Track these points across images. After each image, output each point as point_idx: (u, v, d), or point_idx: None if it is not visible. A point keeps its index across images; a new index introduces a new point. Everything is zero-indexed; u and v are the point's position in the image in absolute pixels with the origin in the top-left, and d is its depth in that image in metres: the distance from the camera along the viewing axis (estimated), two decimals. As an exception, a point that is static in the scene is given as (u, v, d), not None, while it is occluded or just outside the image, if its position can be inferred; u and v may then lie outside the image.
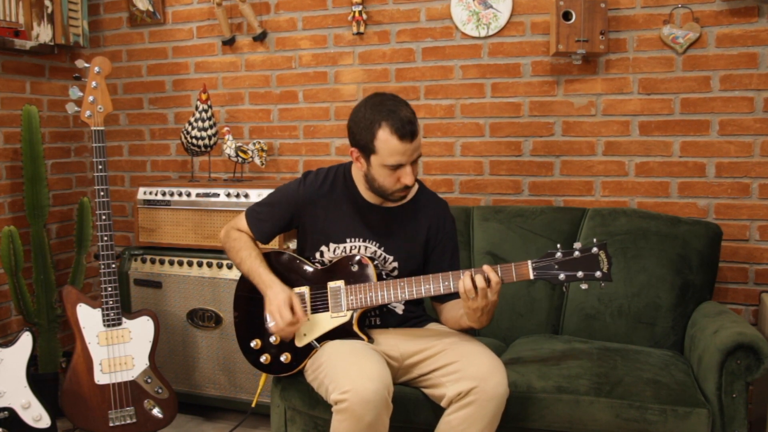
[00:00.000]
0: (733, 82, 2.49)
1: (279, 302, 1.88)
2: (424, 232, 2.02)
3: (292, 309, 1.88)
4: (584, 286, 1.79)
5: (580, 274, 1.76)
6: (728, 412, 1.86)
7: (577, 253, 1.77)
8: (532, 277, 1.78)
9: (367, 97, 1.91)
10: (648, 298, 2.32)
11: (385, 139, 1.81)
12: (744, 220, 2.52)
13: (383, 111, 1.82)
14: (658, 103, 2.58)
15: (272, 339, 2.00)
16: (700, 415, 1.84)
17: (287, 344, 1.98)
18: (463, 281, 1.76)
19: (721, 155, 2.52)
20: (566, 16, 2.52)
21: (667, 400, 1.86)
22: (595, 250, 1.77)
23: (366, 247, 1.99)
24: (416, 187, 2.06)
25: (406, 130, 1.80)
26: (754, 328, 1.96)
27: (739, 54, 2.47)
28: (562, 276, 1.77)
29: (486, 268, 1.77)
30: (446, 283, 1.84)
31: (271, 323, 1.91)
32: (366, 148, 1.86)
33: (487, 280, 1.75)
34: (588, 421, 1.89)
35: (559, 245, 1.81)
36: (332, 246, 2.00)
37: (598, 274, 1.76)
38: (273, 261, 2.04)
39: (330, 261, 2.00)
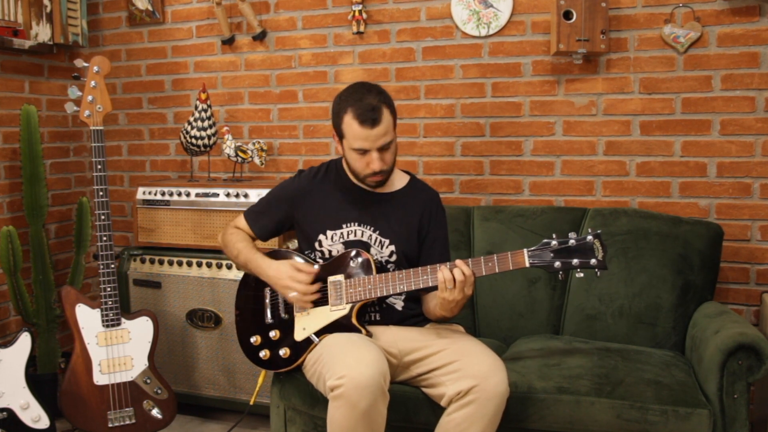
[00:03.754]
0: (734, 81, 2.48)
1: (286, 272, 1.94)
2: (417, 218, 2.05)
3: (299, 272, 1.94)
4: (580, 274, 1.80)
5: (575, 261, 1.78)
6: (729, 413, 1.86)
7: (572, 241, 1.79)
8: (527, 264, 1.80)
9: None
10: (649, 299, 2.31)
11: (349, 123, 1.91)
12: (745, 220, 2.51)
13: (351, 98, 1.92)
14: (659, 103, 2.58)
15: (272, 334, 2.01)
16: (701, 415, 1.83)
17: (287, 339, 1.99)
18: (443, 273, 1.79)
19: (722, 155, 2.52)
20: (567, 15, 2.52)
21: (668, 400, 1.86)
22: (590, 238, 1.79)
23: (362, 232, 2.01)
24: (407, 177, 2.12)
25: (367, 117, 1.88)
26: (755, 328, 1.96)
27: (741, 53, 2.46)
28: (557, 264, 1.78)
29: (459, 262, 1.80)
30: None
31: (290, 295, 1.93)
32: (338, 132, 1.97)
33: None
34: (589, 421, 1.88)
35: (554, 234, 1.82)
36: (329, 233, 2.03)
37: (593, 261, 1.78)
38: (274, 258, 2.04)
39: (329, 251, 2.02)
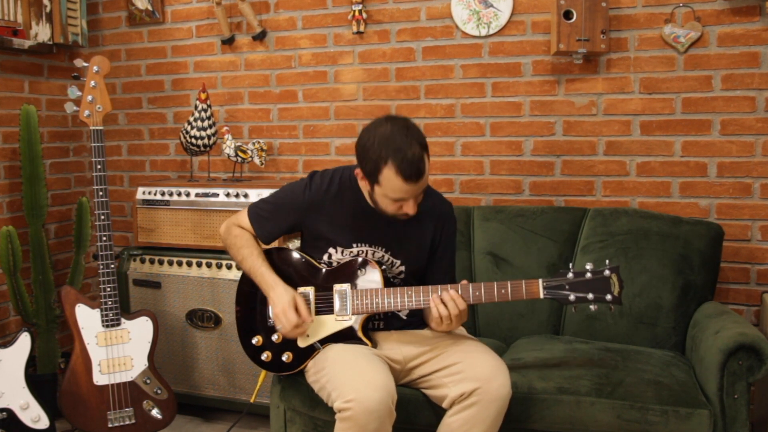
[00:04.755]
0: (734, 81, 2.48)
1: (284, 304, 1.86)
2: (430, 235, 1.99)
3: (297, 310, 1.87)
4: (593, 308, 1.79)
5: (590, 296, 1.76)
6: (730, 413, 1.86)
7: (588, 274, 1.76)
8: (542, 296, 1.78)
9: (378, 121, 1.82)
10: (649, 299, 2.31)
11: (390, 177, 1.74)
12: (745, 220, 2.51)
13: (391, 147, 1.73)
14: (660, 103, 2.57)
15: (274, 337, 1.99)
16: (701, 416, 1.83)
17: (289, 343, 1.97)
18: (437, 308, 1.79)
19: (722, 155, 2.52)
20: (567, 15, 2.51)
21: (669, 400, 1.86)
22: (607, 272, 1.76)
23: (373, 252, 1.97)
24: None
25: (412, 171, 1.73)
26: (755, 328, 1.96)
27: (741, 53, 2.46)
28: (572, 297, 1.76)
29: (454, 295, 1.80)
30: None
31: (278, 326, 1.90)
32: (371, 177, 1.81)
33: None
34: (589, 422, 1.88)
35: (571, 265, 1.80)
36: (339, 249, 1.98)
37: (608, 297, 1.76)
38: (276, 259, 2.00)
39: (338, 262, 1.98)
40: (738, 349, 1.85)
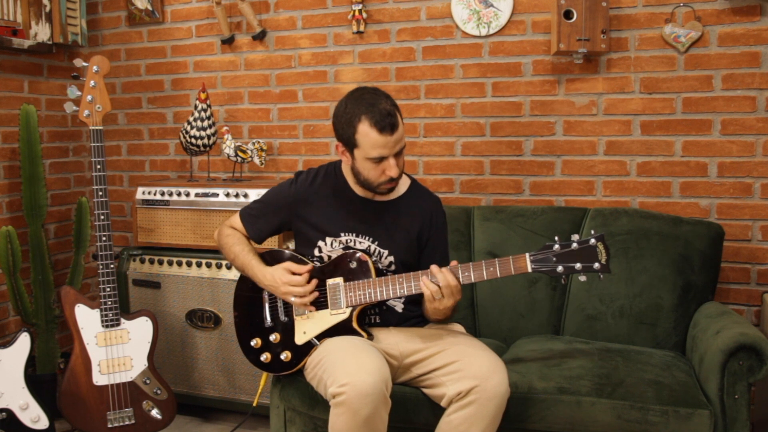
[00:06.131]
0: (735, 81, 2.47)
1: (279, 277, 1.91)
2: (417, 226, 2.02)
3: (291, 273, 1.92)
4: (583, 278, 1.78)
5: (578, 266, 1.75)
6: (730, 413, 1.85)
7: (575, 245, 1.76)
8: (530, 269, 1.78)
9: (349, 92, 1.92)
10: (649, 299, 2.31)
11: (366, 132, 1.83)
12: (746, 220, 2.51)
13: (362, 104, 1.84)
14: (660, 103, 2.57)
15: (272, 338, 2.00)
16: (701, 416, 1.83)
17: (287, 342, 1.98)
18: (428, 287, 1.79)
19: (723, 155, 2.51)
20: (567, 14, 2.51)
21: (669, 401, 1.85)
22: (593, 241, 1.75)
23: (360, 242, 1.99)
24: (408, 181, 2.08)
25: (386, 123, 1.81)
26: (756, 328, 1.95)
27: (742, 53, 2.46)
28: (560, 268, 1.76)
29: (443, 269, 1.79)
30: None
31: (291, 299, 1.92)
32: (349, 142, 1.89)
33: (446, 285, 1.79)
34: (589, 422, 1.88)
35: (557, 237, 1.79)
36: (329, 240, 2.01)
37: (596, 265, 1.75)
38: (269, 259, 2.04)
39: (329, 256, 2.00)
40: (738, 350, 1.84)
